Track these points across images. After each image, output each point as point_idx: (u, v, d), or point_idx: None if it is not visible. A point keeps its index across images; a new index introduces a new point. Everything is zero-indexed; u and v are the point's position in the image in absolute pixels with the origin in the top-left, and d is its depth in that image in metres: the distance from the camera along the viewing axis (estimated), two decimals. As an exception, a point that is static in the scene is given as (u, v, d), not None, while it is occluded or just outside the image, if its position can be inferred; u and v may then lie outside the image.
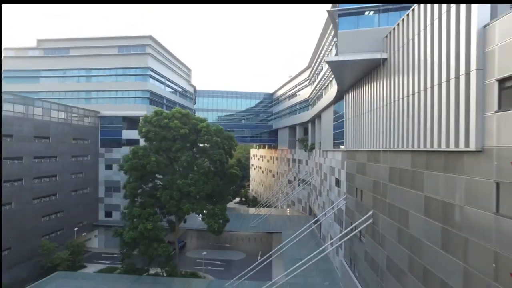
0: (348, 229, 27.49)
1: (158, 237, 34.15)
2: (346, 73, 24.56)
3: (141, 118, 53.67)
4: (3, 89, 43.69)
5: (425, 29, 15.95)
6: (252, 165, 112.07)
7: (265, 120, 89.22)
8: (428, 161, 15.84)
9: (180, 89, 70.66)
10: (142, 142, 53.06)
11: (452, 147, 13.46)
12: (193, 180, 34.44)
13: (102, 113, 55.99)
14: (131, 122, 57.69)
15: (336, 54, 22.59)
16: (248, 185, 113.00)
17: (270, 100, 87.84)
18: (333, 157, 38.74)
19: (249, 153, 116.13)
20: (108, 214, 56.94)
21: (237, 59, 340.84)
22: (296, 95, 68.35)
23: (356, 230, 24.99)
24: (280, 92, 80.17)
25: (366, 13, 22.47)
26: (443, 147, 14.13)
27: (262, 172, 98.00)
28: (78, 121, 51.84)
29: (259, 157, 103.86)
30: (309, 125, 59.04)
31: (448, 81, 13.76)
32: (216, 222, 35.73)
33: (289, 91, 72.39)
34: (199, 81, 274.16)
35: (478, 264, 11.90)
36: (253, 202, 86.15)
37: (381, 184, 21.78)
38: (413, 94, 17.03)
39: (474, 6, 12.20)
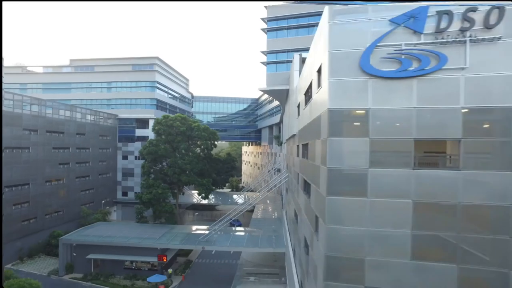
0: (278, 182, 47.70)
1: (165, 198, 54.35)
2: (276, 95, 44.78)
3: (152, 120, 73.94)
4: (45, 98, 63.41)
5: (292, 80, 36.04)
6: (243, 161, 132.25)
7: (253, 121, 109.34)
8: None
9: (179, 96, 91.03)
10: (150, 138, 73.42)
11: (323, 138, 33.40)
12: (189, 161, 54.77)
13: (119, 116, 76.31)
14: (142, 122, 77.92)
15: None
16: (241, 179, 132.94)
17: (256, 104, 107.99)
18: (286, 148, 58.83)
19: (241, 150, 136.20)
20: (124, 194, 77.28)
21: (230, 64, 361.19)
22: (273, 101, 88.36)
23: (280, 183, 45.17)
24: (263, 98, 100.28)
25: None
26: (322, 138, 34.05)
27: (251, 166, 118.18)
28: (103, 122, 72.26)
29: (248, 153, 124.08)
30: (281, 125, 79.06)
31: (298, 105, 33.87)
32: (204, 190, 56.03)
33: (268, 97, 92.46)
34: (193, 84, 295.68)
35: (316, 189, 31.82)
36: (242, 190, 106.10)
37: (291, 157, 41.85)
38: (296, 108, 37.13)
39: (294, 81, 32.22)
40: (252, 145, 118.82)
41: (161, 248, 44.89)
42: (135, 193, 76.71)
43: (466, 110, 12.91)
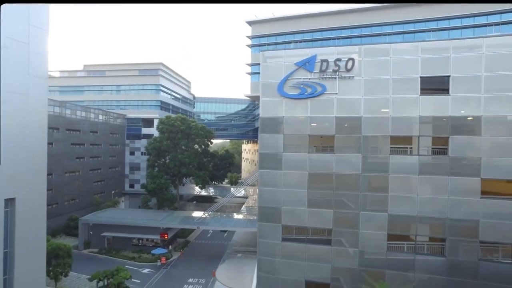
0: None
1: (167, 187, 64.35)
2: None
3: (156, 119, 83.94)
4: (61, 100, 73.65)
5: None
6: (243, 158, 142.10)
7: (251, 120, 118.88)
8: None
9: (181, 98, 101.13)
10: (155, 136, 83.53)
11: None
12: (188, 155, 64.72)
13: (127, 116, 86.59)
14: (147, 122, 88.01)
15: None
16: (241, 176, 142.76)
17: (253, 104, 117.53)
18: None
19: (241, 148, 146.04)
20: (131, 186, 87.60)
21: (232, 66, 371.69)
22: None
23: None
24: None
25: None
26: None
27: (249, 162, 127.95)
28: (113, 121, 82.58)
29: (247, 151, 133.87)
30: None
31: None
32: (201, 181, 65.97)
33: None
34: (195, 85, 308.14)
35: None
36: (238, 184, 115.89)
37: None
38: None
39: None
40: (250, 143, 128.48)
41: (163, 228, 54.83)
42: (141, 185, 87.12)
43: (337, 117, 22.40)
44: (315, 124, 22.84)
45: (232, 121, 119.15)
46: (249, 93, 52.23)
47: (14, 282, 25.02)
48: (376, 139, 21.97)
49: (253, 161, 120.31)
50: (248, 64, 52.67)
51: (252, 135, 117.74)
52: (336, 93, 22.25)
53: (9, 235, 25.26)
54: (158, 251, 52.22)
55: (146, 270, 49.94)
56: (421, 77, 21.13)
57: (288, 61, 23.19)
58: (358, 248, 22.19)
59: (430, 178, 21.19)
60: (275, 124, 23.70)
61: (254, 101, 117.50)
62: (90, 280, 40.98)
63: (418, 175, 21.25)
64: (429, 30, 40.62)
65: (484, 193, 20.27)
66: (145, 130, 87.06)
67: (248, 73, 53.12)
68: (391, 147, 21.73)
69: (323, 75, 22.42)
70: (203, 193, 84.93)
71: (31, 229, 26.73)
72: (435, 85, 21.11)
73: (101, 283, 41.43)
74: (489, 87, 19.84)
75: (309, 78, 22.72)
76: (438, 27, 41.72)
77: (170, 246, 56.06)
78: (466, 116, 20.61)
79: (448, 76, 20.65)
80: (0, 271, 24.28)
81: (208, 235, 66.88)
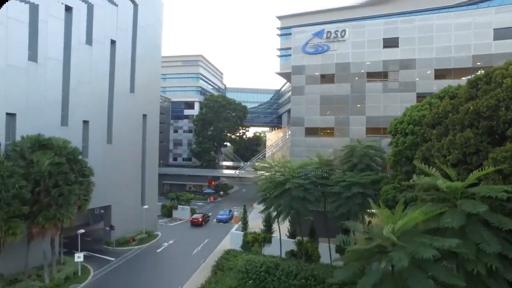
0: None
1: (210, 151, 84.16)
2: (286, 77, 73.28)
3: (196, 102, 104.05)
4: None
5: (294, 64, 64.59)
6: (267, 146, 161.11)
7: (275, 109, 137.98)
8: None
9: (216, 86, 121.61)
10: (195, 116, 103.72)
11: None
12: (227, 125, 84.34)
13: (172, 100, 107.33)
14: (188, 105, 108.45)
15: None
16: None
17: (278, 94, 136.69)
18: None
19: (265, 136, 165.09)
20: (175, 159, 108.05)
21: (259, 56, 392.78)
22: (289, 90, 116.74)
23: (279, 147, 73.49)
24: (283, 88, 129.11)
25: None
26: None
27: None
28: (161, 103, 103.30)
29: (271, 139, 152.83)
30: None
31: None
32: (237, 145, 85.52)
33: (288, 87, 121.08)
34: (226, 76, 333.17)
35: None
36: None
37: (294, 114, 70.15)
38: (293, 82, 65.73)
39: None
40: (274, 129, 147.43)
41: (210, 176, 74.33)
42: (183, 159, 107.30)
43: (336, 64, 41.16)
44: (324, 68, 41.71)
45: (259, 109, 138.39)
46: (278, 70, 71.43)
47: (145, 176, 45.21)
48: (358, 74, 40.54)
49: (277, 145, 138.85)
50: (278, 49, 72.13)
51: (276, 122, 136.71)
52: (335, 50, 41.09)
53: (142, 141, 45.42)
54: (207, 191, 71.73)
55: (200, 203, 69.59)
56: (383, 38, 39.65)
57: (309, 33, 42.26)
58: (349, 137, 40.61)
59: (389, 94, 39.50)
60: (300, 69, 42.72)
61: (278, 90, 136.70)
62: (166, 197, 60.98)
63: (382, 93, 39.58)
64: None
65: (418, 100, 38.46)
66: (186, 112, 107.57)
67: (278, 56, 72.51)
68: (367, 79, 40.23)
69: (328, 40, 41.32)
70: (235, 165, 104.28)
71: (153, 136, 46.97)
72: (390, 43, 39.58)
73: (172, 202, 61.22)
74: (419, 42, 38.17)
75: (320, 42, 41.65)
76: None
77: (222, 192, 75.51)
78: (408, 59, 38.92)
79: (398, 37, 39.09)
80: (140, 163, 44.45)
81: (244, 191, 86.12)
